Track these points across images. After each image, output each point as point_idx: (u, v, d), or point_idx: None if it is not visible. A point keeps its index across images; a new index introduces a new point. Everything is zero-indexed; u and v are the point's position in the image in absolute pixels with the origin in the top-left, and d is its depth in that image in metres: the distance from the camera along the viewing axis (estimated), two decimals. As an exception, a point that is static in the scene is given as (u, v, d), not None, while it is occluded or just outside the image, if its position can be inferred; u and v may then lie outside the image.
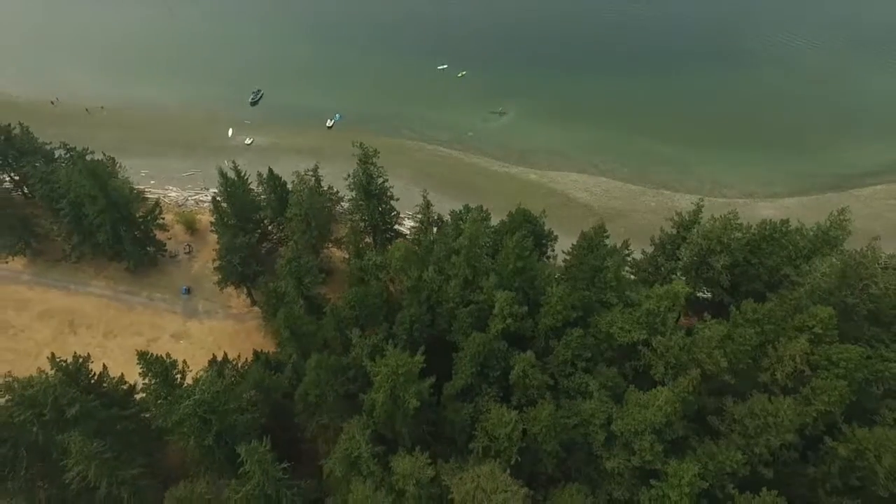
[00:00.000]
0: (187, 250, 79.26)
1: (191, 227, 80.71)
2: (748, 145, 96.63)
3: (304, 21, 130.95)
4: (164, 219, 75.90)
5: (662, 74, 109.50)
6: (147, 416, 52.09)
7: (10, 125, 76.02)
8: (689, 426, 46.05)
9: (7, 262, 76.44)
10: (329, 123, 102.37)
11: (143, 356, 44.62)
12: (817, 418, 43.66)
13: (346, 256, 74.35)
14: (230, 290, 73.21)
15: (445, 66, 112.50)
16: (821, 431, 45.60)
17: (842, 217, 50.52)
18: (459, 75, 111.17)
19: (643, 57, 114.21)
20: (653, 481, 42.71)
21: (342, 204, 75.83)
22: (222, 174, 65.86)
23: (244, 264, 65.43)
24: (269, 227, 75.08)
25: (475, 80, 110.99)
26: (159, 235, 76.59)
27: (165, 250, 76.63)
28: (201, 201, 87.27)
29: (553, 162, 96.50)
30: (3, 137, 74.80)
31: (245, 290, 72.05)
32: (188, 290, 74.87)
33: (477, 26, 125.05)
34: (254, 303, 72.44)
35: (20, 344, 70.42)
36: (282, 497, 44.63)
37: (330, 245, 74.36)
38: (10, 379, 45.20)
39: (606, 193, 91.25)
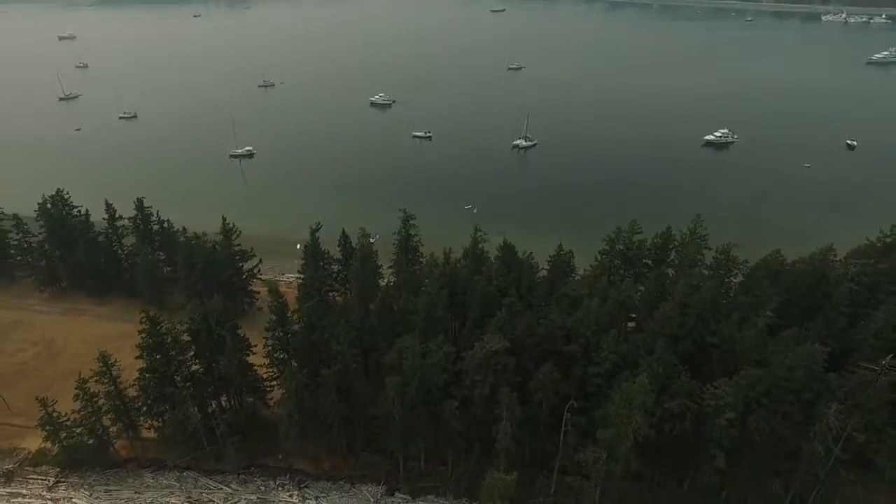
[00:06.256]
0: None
1: (273, 291, 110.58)
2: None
3: (348, 180, 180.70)
4: (261, 275, 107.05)
5: (623, 203, 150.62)
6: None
7: (160, 219, 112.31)
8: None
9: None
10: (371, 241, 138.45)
11: (270, 283, 72.51)
12: (696, 322, 68.99)
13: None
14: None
15: (470, 206, 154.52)
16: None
17: (699, 219, 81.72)
18: (475, 211, 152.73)
19: (605, 194, 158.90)
20: (593, 355, 66.58)
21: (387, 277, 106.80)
22: (312, 231, 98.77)
23: (320, 291, 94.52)
24: (334, 283, 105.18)
25: (482, 214, 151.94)
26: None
27: (256, 300, 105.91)
28: (279, 281, 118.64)
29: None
30: (158, 227, 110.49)
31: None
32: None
33: (486, 178, 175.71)
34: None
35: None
36: (356, 381, 68.02)
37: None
38: (189, 305, 72.67)
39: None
